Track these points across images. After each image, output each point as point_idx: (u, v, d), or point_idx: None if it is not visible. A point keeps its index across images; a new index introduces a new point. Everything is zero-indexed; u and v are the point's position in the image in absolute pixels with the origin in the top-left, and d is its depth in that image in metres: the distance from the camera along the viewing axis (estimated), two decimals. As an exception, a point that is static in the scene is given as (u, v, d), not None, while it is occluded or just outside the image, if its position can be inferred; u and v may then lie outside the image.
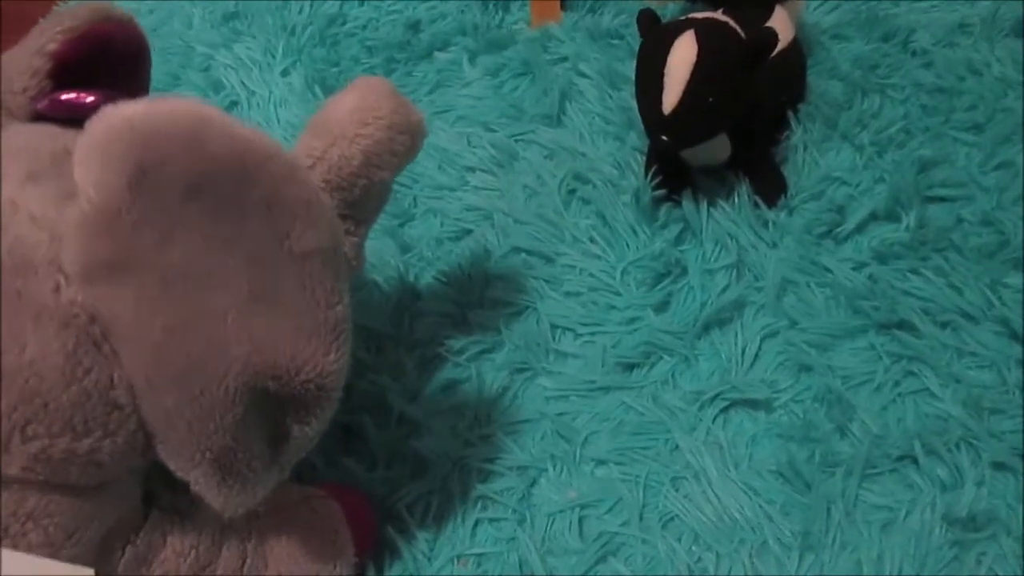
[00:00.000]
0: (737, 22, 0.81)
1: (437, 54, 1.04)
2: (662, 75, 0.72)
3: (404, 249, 0.83)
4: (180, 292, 0.44)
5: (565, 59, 0.99)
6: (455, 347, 0.75)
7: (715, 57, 0.71)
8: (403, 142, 0.57)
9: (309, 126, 0.58)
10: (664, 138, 0.73)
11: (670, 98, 0.72)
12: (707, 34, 0.72)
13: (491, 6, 1.08)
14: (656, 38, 0.74)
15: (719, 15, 0.78)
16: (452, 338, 0.76)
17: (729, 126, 0.77)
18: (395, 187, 0.89)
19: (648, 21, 0.77)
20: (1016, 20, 0.95)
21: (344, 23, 1.10)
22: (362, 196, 0.57)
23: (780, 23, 0.84)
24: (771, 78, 0.79)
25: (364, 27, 1.09)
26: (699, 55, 0.71)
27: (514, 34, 1.04)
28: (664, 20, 0.78)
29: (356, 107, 0.56)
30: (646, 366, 0.73)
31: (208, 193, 0.44)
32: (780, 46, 0.81)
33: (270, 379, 0.46)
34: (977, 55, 0.92)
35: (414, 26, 1.07)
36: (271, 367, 0.46)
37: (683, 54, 0.72)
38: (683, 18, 0.76)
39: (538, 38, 1.02)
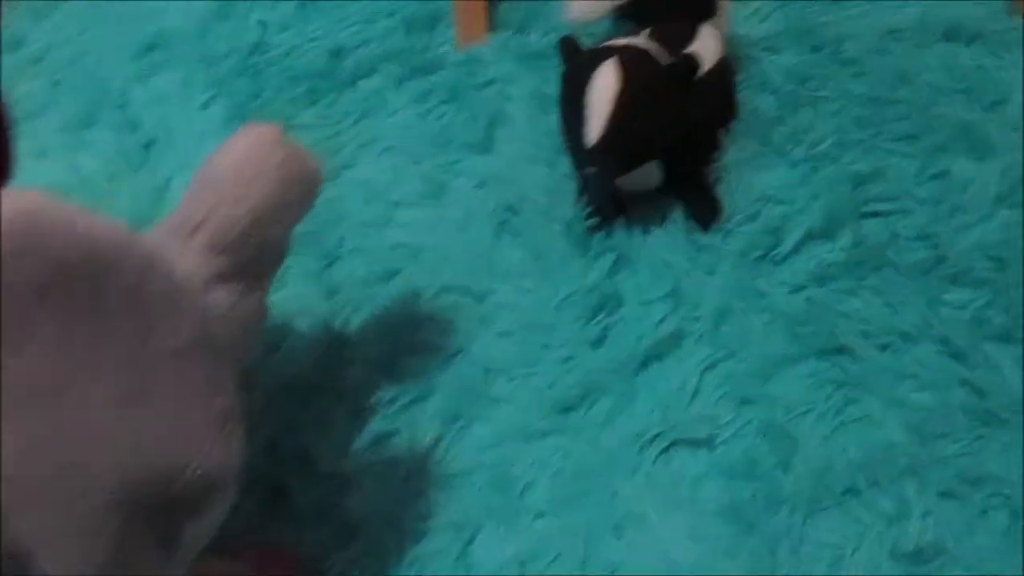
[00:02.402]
0: (664, 41, 0.79)
1: (361, 82, 1.00)
2: (585, 106, 0.70)
3: (330, 293, 0.80)
4: (35, 406, 0.40)
5: (493, 82, 0.96)
6: (385, 397, 0.72)
7: (637, 86, 0.69)
8: (297, 194, 0.54)
9: (193, 183, 0.54)
10: (591, 169, 0.71)
11: (594, 129, 0.69)
12: (628, 62, 0.70)
13: (417, 29, 1.05)
14: (577, 67, 0.72)
15: (639, 40, 0.76)
16: (382, 387, 0.73)
17: (658, 153, 0.74)
18: (320, 227, 0.86)
19: (569, 49, 0.74)
20: (945, 25, 0.94)
21: (266, 51, 1.06)
22: (256, 254, 0.54)
23: (708, 40, 0.82)
24: (700, 100, 0.76)
25: (287, 55, 1.05)
26: (621, 84, 0.69)
27: (440, 58, 1.01)
28: (587, 46, 0.76)
29: (241, 161, 0.52)
30: (583, 407, 0.70)
31: (57, 295, 0.40)
32: (708, 66, 0.79)
33: (150, 484, 0.43)
34: (908, 63, 0.91)
35: (337, 53, 1.04)
36: (149, 472, 0.42)
37: (605, 83, 0.69)
38: (603, 45, 0.74)
39: (465, 61, 0.99)
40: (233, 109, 0.98)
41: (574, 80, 0.71)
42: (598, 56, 0.71)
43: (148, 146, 0.99)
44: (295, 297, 0.80)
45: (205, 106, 1.00)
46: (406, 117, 0.95)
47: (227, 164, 0.53)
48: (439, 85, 0.97)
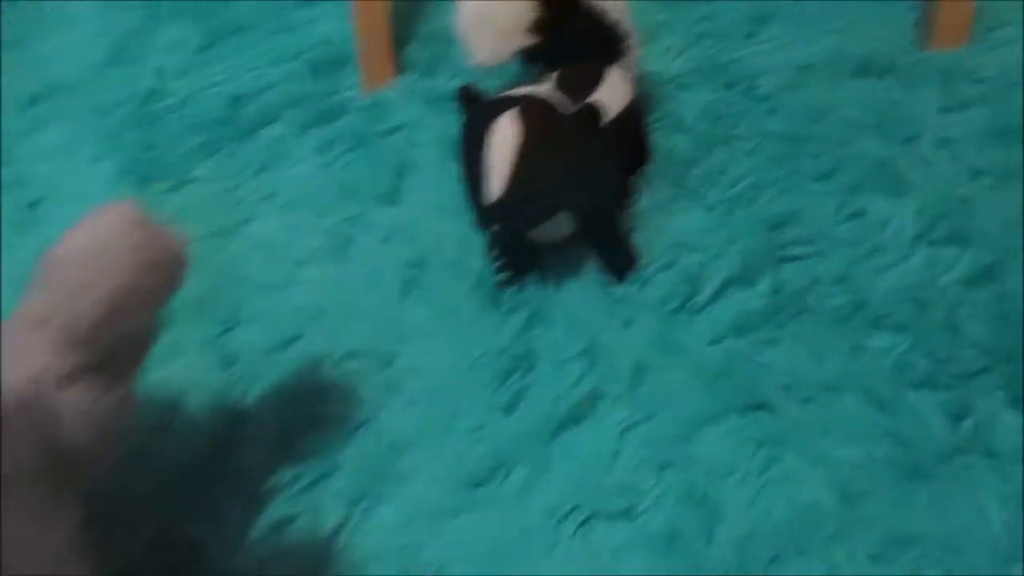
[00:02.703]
0: (569, 86, 0.76)
1: (263, 130, 0.95)
2: (485, 160, 0.66)
3: (226, 363, 0.74)
4: None
5: (400, 128, 0.93)
6: (284, 478, 0.67)
7: (537, 139, 0.66)
8: (155, 280, 0.49)
9: (42, 269, 0.49)
10: (494, 227, 0.67)
11: (495, 186, 0.66)
12: (528, 114, 0.66)
13: (322, 72, 1.00)
14: (476, 118, 0.68)
15: (542, 89, 0.73)
16: (281, 467, 0.68)
17: (567, 204, 0.71)
18: (216, 290, 0.81)
19: (468, 98, 0.70)
20: (858, 59, 0.93)
21: (162, 99, 1.01)
22: (114, 347, 0.49)
23: (616, 83, 0.79)
24: (609, 147, 0.73)
25: (184, 103, 1.00)
26: (521, 138, 0.65)
27: (346, 103, 0.96)
28: (488, 95, 0.72)
29: (93, 246, 0.47)
30: (496, 480, 0.66)
31: None
32: (616, 110, 0.76)
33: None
34: (821, 98, 0.90)
35: (238, 99, 0.99)
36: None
37: (505, 136, 0.66)
38: (503, 95, 0.70)
39: (370, 106, 0.95)
40: (125, 163, 0.93)
41: (473, 133, 0.67)
42: (497, 107, 0.67)
43: (34, 205, 0.93)
44: (188, 369, 0.74)
45: (95, 161, 0.94)
46: (309, 167, 0.91)
47: (78, 249, 0.48)
48: (344, 132, 0.93)
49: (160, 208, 0.88)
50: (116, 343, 0.50)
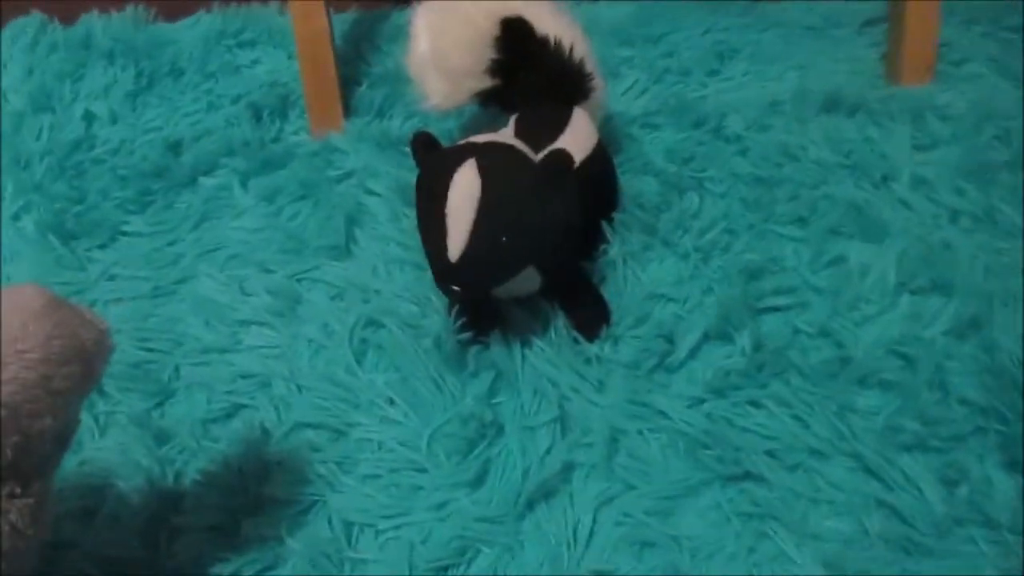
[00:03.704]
0: (532, 131, 0.71)
1: (202, 179, 0.89)
2: (444, 216, 0.61)
3: (160, 440, 0.68)
4: None
5: (351, 174, 0.87)
6: (225, 571, 0.60)
7: (501, 190, 0.61)
8: (69, 375, 0.43)
9: None
10: (455, 288, 0.62)
11: (455, 243, 0.60)
12: (490, 163, 0.61)
13: (266, 116, 0.95)
14: (434, 169, 0.63)
15: (504, 135, 0.68)
16: (221, 559, 0.61)
17: (532, 260, 0.66)
18: (150, 357, 0.74)
19: (424, 147, 0.65)
20: (825, 95, 0.90)
21: (91, 148, 0.94)
22: (21, 452, 0.42)
23: (580, 127, 0.75)
24: (576, 195, 0.69)
25: (116, 151, 0.93)
26: (483, 190, 0.60)
27: (292, 148, 0.91)
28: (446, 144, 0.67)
29: None
30: (462, 564, 0.60)
31: None
32: (582, 156, 0.72)
33: None
34: (791, 137, 0.86)
35: (175, 146, 0.93)
36: None
37: (465, 190, 0.60)
38: (463, 143, 0.65)
39: (319, 151, 0.89)
40: (50, 218, 0.86)
41: (430, 185, 0.62)
42: (457, 157, 0.62)
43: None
44: (117, 448, 0.67)
45: (16, 217, 0.87)
46: (253, 219, 0.85)
47: (-26, 339, 0.42)
48: (290, 180, 0.87)
49: (89, 267, 0.83)
50: (20, 450, 0.43)
